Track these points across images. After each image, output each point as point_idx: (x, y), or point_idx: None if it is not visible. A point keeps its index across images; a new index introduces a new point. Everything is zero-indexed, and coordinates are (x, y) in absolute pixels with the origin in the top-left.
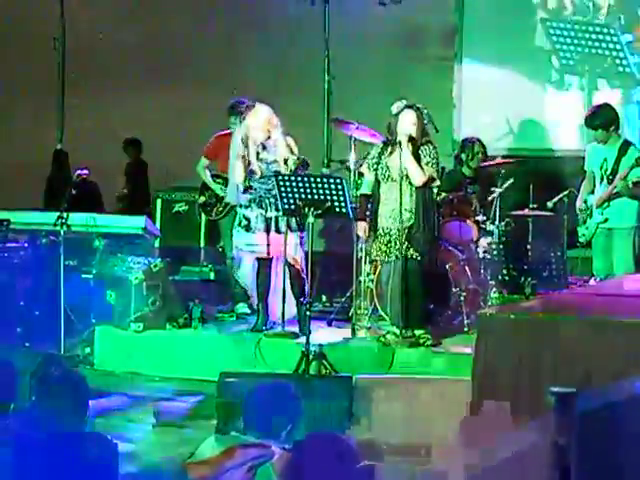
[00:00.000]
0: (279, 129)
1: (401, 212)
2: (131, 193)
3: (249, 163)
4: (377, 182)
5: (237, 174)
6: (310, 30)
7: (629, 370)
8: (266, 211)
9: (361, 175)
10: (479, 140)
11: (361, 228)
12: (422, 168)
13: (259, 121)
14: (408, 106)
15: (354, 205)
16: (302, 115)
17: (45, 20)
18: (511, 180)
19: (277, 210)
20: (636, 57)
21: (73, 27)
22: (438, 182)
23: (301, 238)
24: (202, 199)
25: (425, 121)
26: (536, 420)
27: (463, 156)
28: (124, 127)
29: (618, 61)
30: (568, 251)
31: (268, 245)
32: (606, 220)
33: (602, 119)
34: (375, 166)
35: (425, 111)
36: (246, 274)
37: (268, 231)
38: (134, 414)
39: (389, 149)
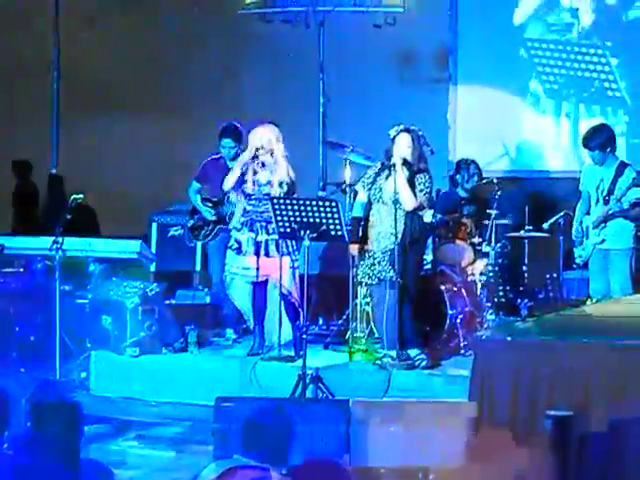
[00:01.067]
0: (281, 149)
1: (387, 235)
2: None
3: (244, 181)
4: (369, 203)
5: (228, 180)
6: (305, 53)
7: (626, 392)
8: (257, 235)
9: (356, 194)
10: (474, 162)
11: (354, 251)
12: (414, 194)
13: (258, 139)
14: (404, 129)
15: (350, 227)
16: (298, 137)
17: (41, 45)
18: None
19: (268, 234)
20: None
21: (68, 52)
22: (428, 211)
23: (294, 262)
24: (191, 222)
25: (422, 146)
26: (534, 442)
27: (458, 178)
28: (121, 151)
29: (607, 84)
30: (564, 272)
31: (258, 269)
32: (603, 241)
33: (599, 140)
34: (369, 186)
35: (420, 133)
36: (237, 297)
37: (258, 254)
38: (130, 439)
39: (385, 172)
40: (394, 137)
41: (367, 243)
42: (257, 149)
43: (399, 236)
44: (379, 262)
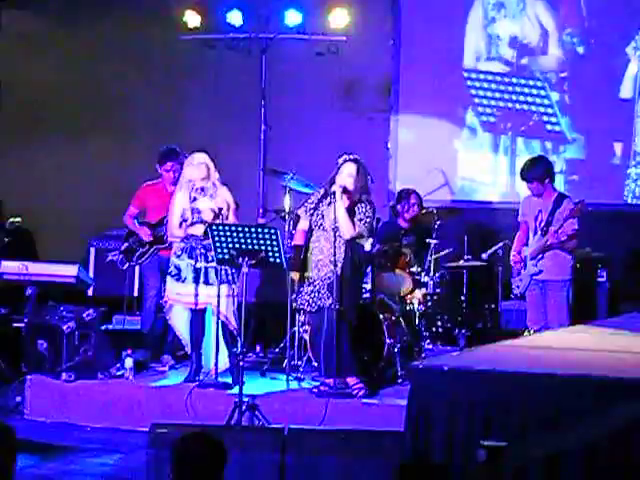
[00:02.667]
0: (217, 175)
1: (326, 263)
2: None
3: (184, 211)
4: (310, 230)
5: (172, 229)
6: (247, 80)
7: (562, 423)
8: (196, 262)
9: (298, 219)
10: (415, 192)
11: (295, 277)
12: (353, 223)
13: (195, 166)
14: (351, 159)
15: (289, 255)
16: (238, 164)
17: None
18: (447, 251)
19: (206, 261)
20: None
21: (6, 72)
22: (367, 240)
23: (233, 290)
24: (125, 246)
25: (367, 177)
26: (470, 473)
27: (399, 207)
28: (57, 174)
29: (546, 118)
30: (502, 303)
31: (196, 296)
32: (540, 272)
33: (537, 172)
34: (312, 211)
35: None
36: (177, 323)
37: (197, 282)
38: (66, 466)
39: (328, 199)
40: (340, 165)
41: (307, 270)
42: (192, 181)
43: (339, 264)
44: (319, 290)
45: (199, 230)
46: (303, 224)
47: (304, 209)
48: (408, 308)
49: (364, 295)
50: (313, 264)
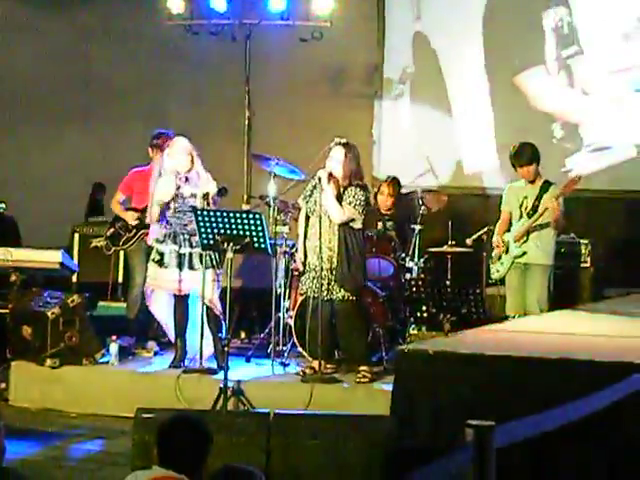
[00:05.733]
0: (199, 162)
1: (321, 249)
2: None
3: (167, 194)
4: (307, 216)
5: (151, 213)
6: (231, 66)
7: (547, 407)
8: (180, 247)
9: (299, 209)
10: (392, 182)
11: (300, 265)
12: (342, 206)
13: (178, 152)
14: (339, 143)
15: (273, 241)
16: (222, 151)
17: None
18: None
19: (191, 247)
20: None
21: None
22: (359, 224)
23: (217, 275)
24: (111, 231)
25: (357, 161)
26: (455, 454)
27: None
28: (41, 160)
29: None
30: (487, 289)
31: (180, 281)
32: (524, 253)
33: (527, 156)
34: (308, 198)
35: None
36: (158, 310)
37: (181, 267)
38: (51, 452)
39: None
40: (329, 150)
41: (306, 255)
42: (167, 171)
43: (335, 250)
44: (320, 276)
45: (184, 216)
46: (303, 212)
47: (302, 196)
48: (392, 293)
49: None
50: (312, 250)
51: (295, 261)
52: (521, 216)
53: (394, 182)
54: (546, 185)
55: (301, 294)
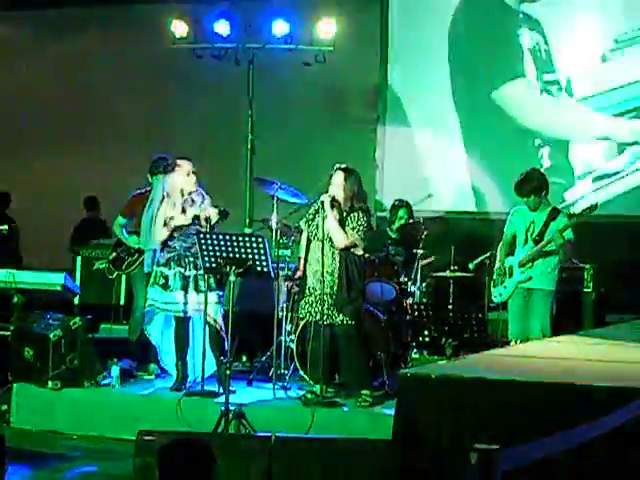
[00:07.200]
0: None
1: (323, 274)
2: None
3: (172, 218)
4: (308, 240)
5: (158, 234)
6: (234, 90)
7: (551, 432)
8: (185, 269)
9: (302, 231)
10: (407, 203)
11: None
12: (345, 232)
13: (182, 175)
14: (341, 168)
15: (276, 264)
16: (225, 174)
17: None
18: (432, 258)
19: (196, 269)
20: None
21: None
22: (360, 250)
23: (220, 297)
24: (113, 255)
25: (359, 185)
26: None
27: (389, 217)
28: (44, 182)
29: None
30: (489, 313)
31: (185, 304)
32: (530, 279)
33: (532, 185)
34: (310, 222)
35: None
36: (153, 333)
37: (186, 290)
38: (52, 474)
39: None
40: (331, 175)
41: (306, 280)
42: (171, 194)
43: (335, 274)
44: (319, 301)
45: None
46: (304, 235)
47: (304, 219)
48: (395, 318)
49: None
50: (312, 274)
51: (296, 285)
52: (526, 241)
53: (409, 206)
54: (554, 213)
55: (300, 318)
